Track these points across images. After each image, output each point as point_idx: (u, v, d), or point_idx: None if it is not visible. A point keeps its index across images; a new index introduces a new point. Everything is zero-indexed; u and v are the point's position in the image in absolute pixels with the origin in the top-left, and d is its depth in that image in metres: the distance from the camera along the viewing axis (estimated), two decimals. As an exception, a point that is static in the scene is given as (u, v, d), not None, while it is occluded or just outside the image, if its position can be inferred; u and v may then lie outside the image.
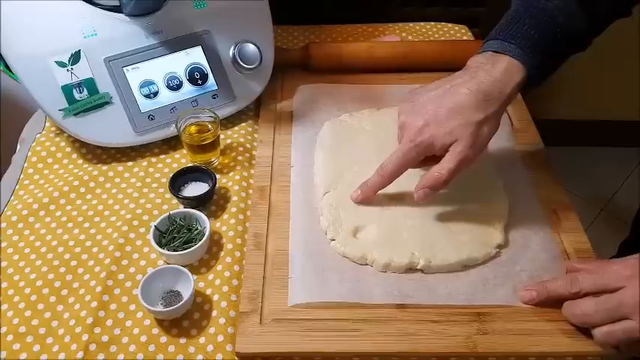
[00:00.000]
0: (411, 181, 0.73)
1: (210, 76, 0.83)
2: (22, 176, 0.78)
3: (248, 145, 0.83)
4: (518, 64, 0.63)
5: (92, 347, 0.59)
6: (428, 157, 0.66)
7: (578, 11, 0.64)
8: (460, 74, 0.66)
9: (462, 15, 1.17)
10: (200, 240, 0.67)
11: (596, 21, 0.66)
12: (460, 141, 0.62)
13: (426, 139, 0.63)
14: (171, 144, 0.83)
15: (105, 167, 0.79)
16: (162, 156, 0.82)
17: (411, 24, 1.10)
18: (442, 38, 1.07)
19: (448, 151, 0.63)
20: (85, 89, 0.76)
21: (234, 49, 0.84)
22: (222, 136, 0.83)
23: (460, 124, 0.62)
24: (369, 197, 0.70)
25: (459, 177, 0.73)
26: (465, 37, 1.08)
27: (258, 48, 0.85)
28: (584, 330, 0.59)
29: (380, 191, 0.71)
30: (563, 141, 1.79)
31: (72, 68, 0.76)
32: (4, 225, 0.72)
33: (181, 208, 0.73)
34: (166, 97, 0.81)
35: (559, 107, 1.85)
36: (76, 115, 0.76)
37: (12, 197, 0.75)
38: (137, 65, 0.79)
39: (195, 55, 0.83)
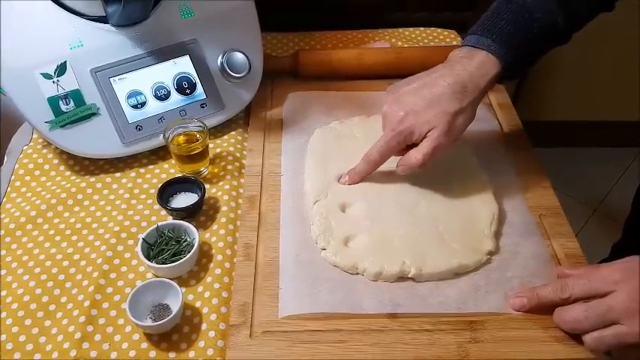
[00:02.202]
0: (401, 191, 0.73)
1: (199, 85, 0.83)
2: (9, 189, 0.78)
3: (238, 154, 0.83)
4: (493, 58, 0.67)
5: (81, 363, 0.59)
6: (409, 146, 0.69)
7: (556, 7, 0.68)
8: (439, 67, 0.70)
9: (452, 19, 1.16)
10: (189, 252, 0.66)
11: (576, 16, 0.69)
12: (436, 129, 0.66)
13: (406, 128, 0.68)
14: (159, 154, 0.82)
15: (93, 179, 0.79)
16: (151, 166, 0.81)
17: (400, 29, 1.10)
18: (431, 43, 1.07)
19: (425, 138, 0.67)
20: (71, 101, 0.76)
21: (223, 58, 0.84)
22: (211, 146, 0.82)
23: (437, 114, 0.66)
24: (356, 182, 0.74)
25: (449, 184, 0.74)
26: (454, 42, 1.08)
27: (247, 56, 0.85)
28: (576, 336, 0.59)
29: (371, 199, 0.71)
30: (556, 142, 1.80)
31: (58, 80, 0.75)
32: (-9, 239, 0.71)
33: (170, 220, 0.72)
34: (154, 107, 0.80)
35: (552, 108, 1.85)
36: (62, 127, 0.75)
37: (-1, 210, 0.75)
38: (124, 76, 0.79)
39: (183, 65, 0.82)
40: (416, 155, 0.67)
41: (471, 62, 0.67)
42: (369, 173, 0.73)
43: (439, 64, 0.70)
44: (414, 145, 0.69)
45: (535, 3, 0.68)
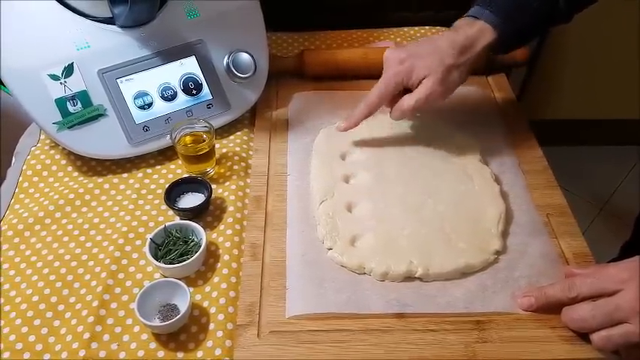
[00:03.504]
0: (407, 191, 0.73)
1: (205, 85, 0.83)
2: (17, 190, 0.78)
3: (244, 155, 0.83)
4: (490, 28, 0.73)
5: (89, 363, 0.59)
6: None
7: None
8: (444, 32, 0.77)
9: (456, 18, 1.16)
10: (196, 252, 0.66)
11: None
12: (431, 76, 0.72)
13: (405, 68, 0.73)
14: (166, 154, 0.83)
15: (100, 179, 0.79)
16: (158, 167, 0.81)
17: (405, 29, 1.10)
18: (437, 42, 1.07)
19: (421, 84, 0.72)
20: (78, 102, 0.76)
21: (229, 59, 0.84)
22: (217, 146, 0.83)
23: (435, 62, 0.72)
24: (354, 126, 0.77)
25: (455, 184, 0.74)
26: (459, 41, 1.07)
27: (252, 57, 0.85)
28: (584, 336, 0.59)
29: (377, 199, 0.71)
30: (562, 140, 1.79)
31: (65, 81, 0.75)
32: (0, 240, 0.71)
33: (177, 220, 0.72)
34: (161, 107, 0.81)
35: (557, 107, 1.85)
36: (70, 128, 0.76)
37: (7, 212, 0.75)
38: (131, 76, 0.79)
39: (189, 65, 0.83)
40: (408, 101, 0.72)
41: (471, 29, 0.73)
42: (367, 117, 0.76)
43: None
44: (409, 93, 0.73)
45: None
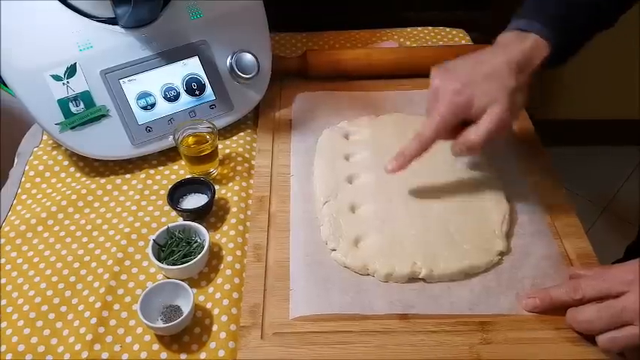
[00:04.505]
0: (411, 192, 0.73)
1: (208, 86, 0.83)
2: (19, 191, 0.78)
3: (247, 155, 0.83)
4: (543, 41, 0.66)
5: (92, 365, 0.59)
6: (462, 128, 0.66)
7: None
8: (491, 49, 0.68)
9: (460, 18, 1.16)
10: (199, 253, 0.66)
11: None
12: (498, 103, 0.63)
13: (463, 99, 0.64)
14: (169, 155, 0.82)
15: (103, 180, 0.79)
16: (161, 168, 0.81)
17: (408, 29, 1.09)
18: (440, 43, 1.07)
19: (485, 113, 0.63)
20: (81, 102, 0.76)
21: (232, 59, 0.84)
22: (220, 146, 0.82)
23: (497, 88, 0.64)
24: (405, 167, 0.69)
25: (459, 184, 0.73)
26: (462, 42, 1.07)
27: (256, 57, 0.85)
28: (589, 337, 0.59)
29: (380, 200, 0.71)
30: (564, 140, 1.79)
31: (68, 82, 0.75)
32: (2, 241, 0.71)
33: (180, 221, 0.72)
34: (164, 108, 0.81)
35: (560, 107, 1.84)
36: (72, 128, 0.76)
37: (10, 213, 0.75)
38: (134, 77, 0.79)
39: (192, 66, 0.82)
40: (476, 132, 0.63)
41: (524, 44, 0.66)
42: (421, 154, 0.67)
43: (488, 47, 0.69)
44: (468, 125, 0.65)
45: None
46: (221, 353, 0.60)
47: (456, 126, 0.66)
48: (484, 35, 1.22)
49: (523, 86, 0.65)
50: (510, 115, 0.64)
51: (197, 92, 0.83)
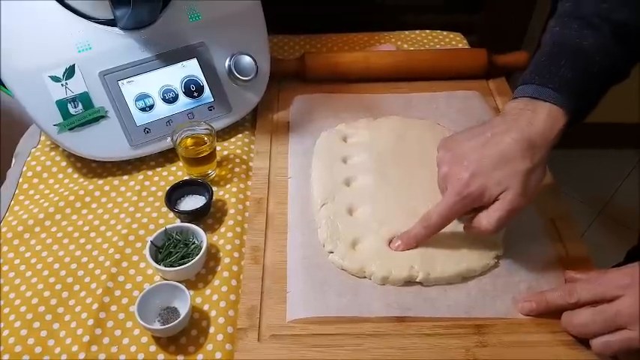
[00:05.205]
0: (409, 195, 0.73)
1: (206, 88, 0.83)
2: (17, 191, 0.78)
3: (245, 157, 0.83)
4: (558, 109, 0.62)
5: (89, 366, 0.59)
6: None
7: (615, 47, 0.63)
8: (499, 122, 0.64)
9: (457, 22, 1.17)
10: (197, 255, 0.66)
11: (635, 52, 0.65)
12: (510, 189, 0.60)
13: (474, 191, 0.61)
14: (167, 156, 0.82)
15: (100, 181, 0.79)
16: (159, 169, 0.81)
17: (406, 32, 1.10)
18: (437, 46, 1.07)
19: (498, 199, 0.61)
20: (79, 104, 0.76)
21: (230, 61, 0.84)
22: (218, 148, 0.83)
23: (508, 174, 0.60)
24: (411, 247, 0.66)
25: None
26: (460, 45, 1.08)
27: (254, 59, 0.85)
28: (584, 340, 0.59)
29: (378, 202, 0.71)
30: (560, 143, 1.79)
31: (66, 83, 0.75)
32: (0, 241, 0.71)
33: (178, 222, 0.72)
34: (162, 110, 0.81)
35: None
36: (71, 129, 0.76)
37: (7, 213, 0.75)
38: (132, 79, 0.79)
39: (191, 68, 0.82)
40: (488, 220, 0.61)
41: (536, 116, 0.61)
42: (427, 238, 0.66)
43: (496, 118, 0.65)
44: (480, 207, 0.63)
45: (592, 46, 0.63)
46: (218, 355, 0.60)
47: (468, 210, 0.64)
48: (481, 38, 1.23)
49: (539, 164, 0.61)
50: (524, 200, 0.60)
51: (195, 94, 0.83)
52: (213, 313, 0.64)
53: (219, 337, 0.62)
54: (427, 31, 1.10)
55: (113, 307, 0.64)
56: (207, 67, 0.83)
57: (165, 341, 0.61)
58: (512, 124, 0.62)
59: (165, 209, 0.74)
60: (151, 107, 0.80)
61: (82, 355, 0.60)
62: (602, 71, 0.63)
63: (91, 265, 0.68)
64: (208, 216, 0.74)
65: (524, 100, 0.63)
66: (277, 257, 0.68)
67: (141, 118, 0.79)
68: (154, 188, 0.78)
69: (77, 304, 0.65)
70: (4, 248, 0.70)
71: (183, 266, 0.65)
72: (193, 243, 0.69)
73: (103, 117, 0.77)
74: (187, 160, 0.78)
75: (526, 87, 0.64)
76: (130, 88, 0.79)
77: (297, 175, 0.78)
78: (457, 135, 0.67)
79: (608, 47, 0.63)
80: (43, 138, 0.85)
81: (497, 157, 0.61)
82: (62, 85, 0.75)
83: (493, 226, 0.61)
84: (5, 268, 0.68)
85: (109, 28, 0.78)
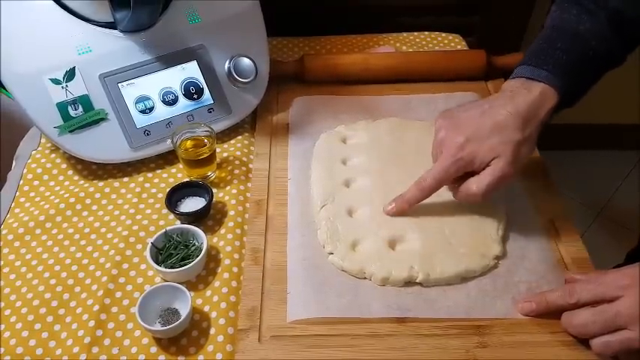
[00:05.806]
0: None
1: (206, 90, 0.83)
2: (17, 193, 0.78)
3: (244, 159, 0.83)
4: (551, 89, 0.65)
5: (90, 367, 0.59)
6: (466, 173, 0.66)
7: (611, 33, 0.66)
8: (496, 97, 0.68)
9: (456, 23, 1.17)
10: (197, 256, 0.66)
11: (631, 40, 0.68)
12: (501, 157, 0.63)
13: (467, 155, 0.64)
14: (167, 158, 0.83)
15: (101, 183, 0.79)
16: (159, 171, 0.81)
17: (405, 34, 1.10)
18: (436, 48, 1.08)
19: (489, 166, 0.64)
20: (80, 106, 0.76)
21: (230, 63, 0.84)
22: (218, 150, 0.83)
23: (501, 142, 0.64)
24: (404, 211, 0.70)
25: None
26: (458, 47, 1.08)
27: (253, 61, 0.85)
28: (584, 341, 0.59)
29: (378, 203, 0.72)
30: (559, 145, 1.80)
31: (67, 85, 0.76)
32: (0, 244, 0.71)
33: (178, 224, 0.72)
34: (162, 112, 0.81)
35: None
36: (71, 132, 0.76)
37: (8, 216, 0.75)
38: (132, 81, 0.79)
39: (191, 70, 0.83)
40: (477, 185, 0.64)
41: (530, 93, 0.65)
42: (421, 200, 0.69)
43: (494, 94, 0.69)
44: (471, 173, 0.66)
45: (589, 31, 0.66)
46: (219, 356, 0.60)
47: (460, 175, 0.66)
48: (479, 40, 1.24)
49: (529, 138, 0.65)
50: (513, 169, 0.64)
51: (195, 96, 0.83)
52: (213, 315, 0.64)
53: (220, 338, 0.62)
54: (426, 32, 1.11)
55: (114, 309, 0.64)
56: (206, 69, 0.84)
57: (166, 342, 0.61)
58: (508, 100, 0.66)
59: (165, 211, 0.75)
60: (151, 109, 0.80)
61: (83, 357, 0.60)
62: (597, 56, 0.67)
63: (91, 267, 0.69)
64: (208, 218, 0.75)
65: (520, 80, 0.67)
66: (277, 258, 0.68)
67: (141, 121, 0.79)
68: (154, 190, 0.78)
69: (78, 306, 0.65)
70: (5, 250, 0.71)
71: (183, 268, 0.65)
72: (194, 244, 0.69)
73: (103, 119, 0.77)
74: (187, 162, 0.78)
75: (523, 68, 0.68)
76: (130, 91, 0.79)
77: (297, 177, 0.78)
78: (456, 108, 0.70)
79: (604, 33, 0.66)
80: (43, 140, 0.86)
81: (492, 126, 0.65)
82: (62, 87, 0.75)
83: (482, 191, 0.64)
84: (6, 269, 0.68)
85: (109, 30, 0.79)
